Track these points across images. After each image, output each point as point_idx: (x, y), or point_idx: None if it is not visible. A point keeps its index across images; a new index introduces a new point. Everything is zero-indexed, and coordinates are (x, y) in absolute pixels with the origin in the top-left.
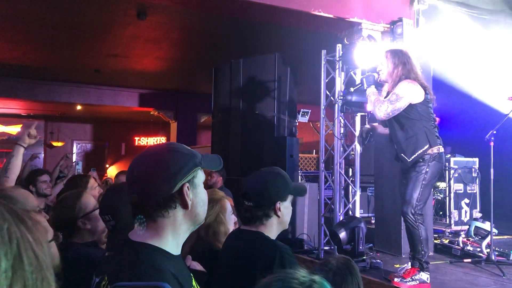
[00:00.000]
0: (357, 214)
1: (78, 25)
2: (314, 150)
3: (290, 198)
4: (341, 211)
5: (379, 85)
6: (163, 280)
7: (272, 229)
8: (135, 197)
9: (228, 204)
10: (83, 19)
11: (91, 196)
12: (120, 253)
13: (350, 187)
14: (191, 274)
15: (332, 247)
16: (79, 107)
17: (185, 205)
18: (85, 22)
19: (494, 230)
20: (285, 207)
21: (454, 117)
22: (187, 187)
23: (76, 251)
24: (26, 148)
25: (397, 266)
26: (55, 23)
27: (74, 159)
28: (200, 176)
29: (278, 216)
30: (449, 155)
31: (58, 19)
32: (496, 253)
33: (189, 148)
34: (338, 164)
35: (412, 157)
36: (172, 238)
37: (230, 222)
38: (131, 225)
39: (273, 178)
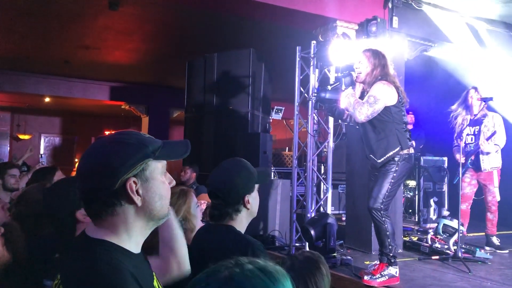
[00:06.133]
0: (329, 211)
1: (47, 13)
2: (287, 148)
3: (256, 187)
4: (313, 208)
5: (353, 84)
6: (121, 279)
7: (242, 222)
8: (80, 193)
9: (193, 197)
10: (53, 7)
11: None
12: (75, 249)
13: (322, 184)
14: (153, 273)
15: (304, 244)
16: (47, 99)
17: (132, 202)
18: (55, 10)
19: (461, 228)
20: (253, 198)
21: (424, 117)
22: (134, 181)
23: None
24: None
25: (367, 262)
26: (23, 11)
27: (42, 152)
28: (153, 168)
29: (248, 209)
30: (419, 154)
31: (26, 7)
32: (463, 250)
33: (142, 137)
34: (311, 161)
35: (382, 159)
36: (128, 236)
37: (196, 216)
38: (70, 226)
39: (238, 173)
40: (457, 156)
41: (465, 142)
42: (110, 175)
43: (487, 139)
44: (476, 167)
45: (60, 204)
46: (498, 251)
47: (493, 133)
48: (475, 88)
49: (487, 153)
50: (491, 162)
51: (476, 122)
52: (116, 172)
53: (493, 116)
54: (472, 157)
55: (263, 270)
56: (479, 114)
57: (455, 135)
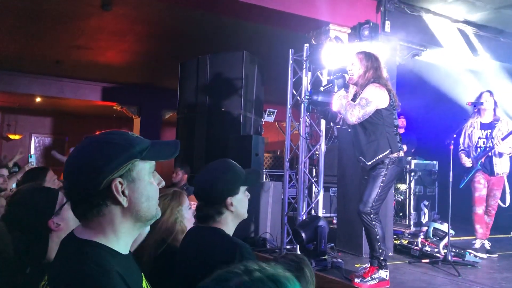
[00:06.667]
0: (320, 214)
1: (39, 13)
2: (279, 150)
3: (243, 189)
4: (304, 211)
5: (346, 86)
6: (108, 279)
7: (228, 224)
8: (66, 193)
9: (186, 199)
10: (45, 7)
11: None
12: (63, 249)
13: (314, 187)
14: (142, 274)
15: (295, 246)
16: (38, 99)
17: (118, 203)
18: (47, 10)
19: (451, 232)
20: (238, 200)
21: (415, 120)
22: (119, 182)
23: None
24: None
25: (358, 265)
26: (15, 10)
27: (32, 151)
28: (140, 169)
29: (231, 211)
30: (410, 158)
31: (19, 6)
32: (453, 253)
33: (130, 137)
34: (303, 163)
35: (372, 161)
36: (116, 237)
37: (188, 218)
38: (42, 237)
39: (222, 174)
40: (464, 160)
41: (475, 146)
42: (95, 175)
43: (503, 139)
44: (489, 170)
45: (28, 215)
46: (488, 255)
47: (510, 133)
48: (490, 92)
49: (500, 155)
50: (503, 166)
51: (489, 126)
52: (100, 172)
53: (508, 122)
54: (483, 160)
55: (272, 278)
56: (490, 118)
57: (462, 138)
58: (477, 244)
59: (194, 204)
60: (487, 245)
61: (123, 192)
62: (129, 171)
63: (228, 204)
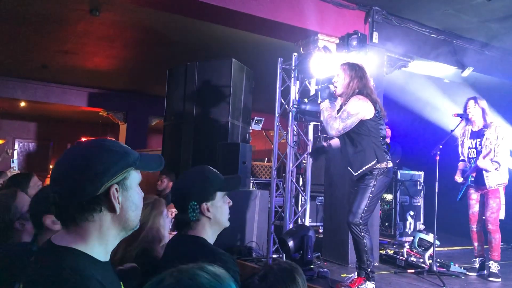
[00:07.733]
0: (307, 223)
1: (26, 17)
2: (266, 159)
3: (220, 195)
4: (291, 220)
5: (333, 97)
6: (87, 287)
7: (206, 232)
8: (56, 197)
9: (164, 207)
10: (32, 10)
11: (25, 195)
12: (40, 257)
13: (300, 196)
14: (121, 282)
15: (281, 255)
16: (23, 104)
17: (112, 209)
18: (34, 14)
19: (437, 242)
20: (216, 207)
21: (401, 131)
22: (116, 189)
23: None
24: None
25: (344, 275)
26: (1, 13)
27: (15, 156)
28: (133, 178)
29: (208, 217)
30: (396, 168)
31: (5, 10)
32: (438, 264)
33: (123, 146)
34: (290, 172)
35: (358, 172)
36: (99, 244)
37: (165, 226)
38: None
39: (193, 179)
40: (457, 175)
41: (468, 156)
42: (94, 180)
43: (484, 157)
44: (482, 184)
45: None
46: (489, 278)
47: (489, 152)
48: (474, 99)
49: (488, 170)
50: (496, 178)
51: (478, 134)
52: (100, 177)
53: (496, 128)
54: (474, 174)
55: (209, 272)
56: (480, 125)
57: (459, 147)
58: (477, 263)
59: (175, 211)
60: (494, 267)
61: (117, 199)
62: (125, 179)
63: (203, 209)
